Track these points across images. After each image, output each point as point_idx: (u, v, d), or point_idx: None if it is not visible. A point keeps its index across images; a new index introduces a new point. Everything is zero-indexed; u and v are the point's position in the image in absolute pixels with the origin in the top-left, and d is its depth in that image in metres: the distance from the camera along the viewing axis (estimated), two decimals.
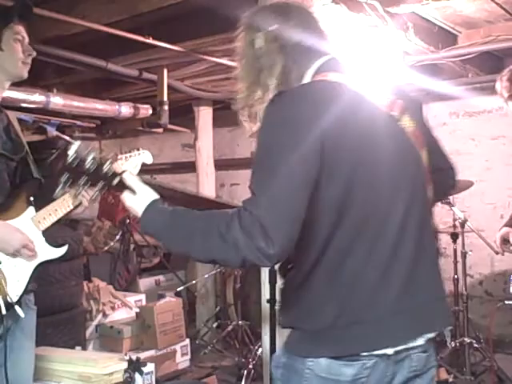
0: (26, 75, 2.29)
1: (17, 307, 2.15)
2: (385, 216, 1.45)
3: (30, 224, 2.22)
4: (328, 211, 1.40)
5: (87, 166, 1.57)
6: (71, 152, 1.55)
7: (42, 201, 2.27)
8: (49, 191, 2.27)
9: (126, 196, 1.51)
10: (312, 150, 1.34)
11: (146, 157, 2.60)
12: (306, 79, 1.50)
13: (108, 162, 1.59)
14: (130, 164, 2.54)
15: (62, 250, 2.31)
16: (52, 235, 2.32)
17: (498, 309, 4.04)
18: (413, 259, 1.48)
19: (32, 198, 2.26)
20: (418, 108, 1.66)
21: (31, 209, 2.25)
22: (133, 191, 1.51)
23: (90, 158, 1.56)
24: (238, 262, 1.31)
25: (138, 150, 2.58)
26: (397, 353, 1.46)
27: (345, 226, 1.41)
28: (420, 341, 1.49)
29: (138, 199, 1.50)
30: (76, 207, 2.30)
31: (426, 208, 1.56)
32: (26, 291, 2.21)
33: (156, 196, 1.49)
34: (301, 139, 1.33)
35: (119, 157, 2.51)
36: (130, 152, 2.55)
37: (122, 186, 1.54)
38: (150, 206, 1.47)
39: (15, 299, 2.16)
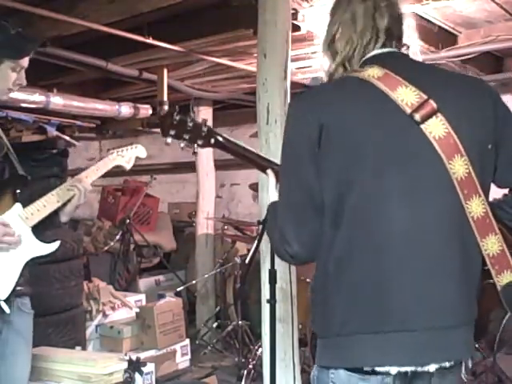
0: (4, 99, 2.27)
1: (2, 303, 2.09)
2: (386, 225, 1.39)
3: (17, 220, 2.17)
4: (327, 214, 1.42)
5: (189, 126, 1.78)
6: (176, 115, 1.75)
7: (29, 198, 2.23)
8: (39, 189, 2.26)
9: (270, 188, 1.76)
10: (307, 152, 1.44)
11: (139, 151, 2.64)
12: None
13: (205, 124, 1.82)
14: (122, 158, 2.55)
15: (54, 246, 2.26)
16: (51, 235, 2.30)
17: None
18: (427, 275, 1.39)
19: (18, 194, 2.21)
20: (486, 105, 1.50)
21: (18, 205, 2.20)
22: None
23: (190, 119, 1.78)
24: (282, 258, 1.55)
25: (132, 144, 2.61)
26: (406, 374, 1.39)
27: (342, 233, 1.40)
28: (432, 367, 1.41)
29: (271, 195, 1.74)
30: (65, 204, 2.28)
31: (455, 220, 1.42)
32: (17, 291, 2.15)
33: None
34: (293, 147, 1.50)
35: (111, 151, 2.53)
36: (124, 146, 2.58)
37: (219, 144, 1.88)
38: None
39: (3, 297, 2.10)
